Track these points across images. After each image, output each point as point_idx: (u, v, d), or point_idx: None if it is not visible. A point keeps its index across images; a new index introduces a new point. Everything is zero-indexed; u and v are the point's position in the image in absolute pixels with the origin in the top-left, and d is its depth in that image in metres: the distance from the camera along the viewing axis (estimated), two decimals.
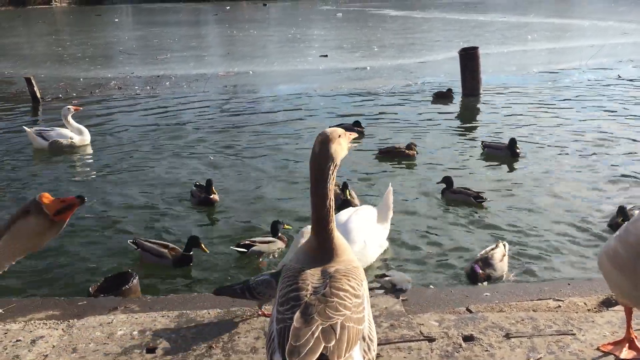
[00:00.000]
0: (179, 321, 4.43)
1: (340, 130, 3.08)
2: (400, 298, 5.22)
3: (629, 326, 3.96)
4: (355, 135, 3.25)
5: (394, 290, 5.36)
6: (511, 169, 10.28)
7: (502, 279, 6.38)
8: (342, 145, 3.04)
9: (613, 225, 7.46)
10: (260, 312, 4.49)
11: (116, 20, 58.51)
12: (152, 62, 25.52)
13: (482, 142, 11.27)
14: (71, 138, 12.17)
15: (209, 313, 4.59)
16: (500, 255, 6.42)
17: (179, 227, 8.10)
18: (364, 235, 6.30)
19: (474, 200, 8.67)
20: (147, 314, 4.58)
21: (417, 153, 10.88)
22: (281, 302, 2.81)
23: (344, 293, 2.77)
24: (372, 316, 2.94)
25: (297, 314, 2.66)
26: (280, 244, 7.31)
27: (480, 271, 6.20)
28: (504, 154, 10.57)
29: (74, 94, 18.19)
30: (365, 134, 12.46)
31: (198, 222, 8.36)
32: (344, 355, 2.56)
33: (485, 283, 6.12)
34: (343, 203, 8.05)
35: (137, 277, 6.00)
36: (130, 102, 16.83)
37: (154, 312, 4.66)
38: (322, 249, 3.00)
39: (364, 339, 2.77)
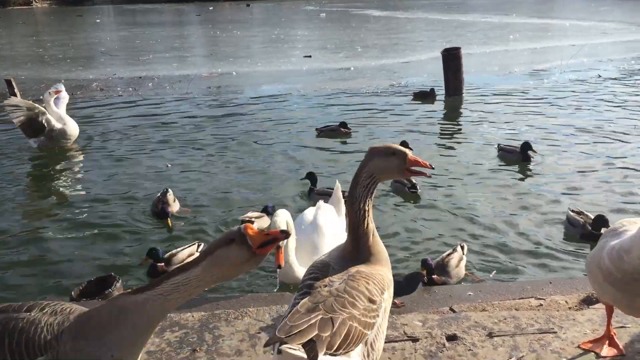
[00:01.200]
0: (162, 325, 4.41)
1: (398, 148, 3.03)
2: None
3: (609, 323, 4.02)
4: (415, 174, 3.13)
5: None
6: (508, 170, 10.16)
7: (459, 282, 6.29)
8: (389, 161, 3.00)
9: (586, 235, 7.16)
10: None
11: (97, 21, 57.95)
12: (134, 63, 25.32)
13: (498, 144, 10.99)
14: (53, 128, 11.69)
15: (192, 316, 4.58)
16: (457, 261, 6.30)
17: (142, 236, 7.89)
18: (333, 229, 6.27)
19: (409, 190, 8.78)
20: None
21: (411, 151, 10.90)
22: (299, 288, 2.94)
23: (357, 293, 2.81)
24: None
25: (304, 300, 2.74)
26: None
27: (435, 276, 6.04)
28: (516, 157, 10.39)
29: None
30: (352, 135, 12.51)
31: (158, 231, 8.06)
32: (335, 350, 2.58)
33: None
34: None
35: (120, 281, 5.97)
36: (112, 104, 16.70)
37: None
38: (353, 249, 3.05)
39: (366, 343, 2.79)
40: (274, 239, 2.59)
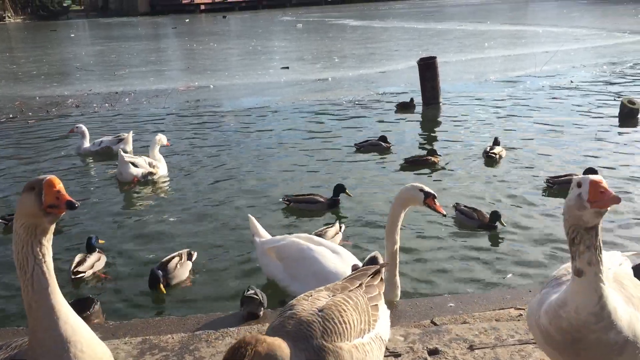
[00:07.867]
0: (142, 348, 4.36)
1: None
2: None
3: None
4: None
5: None
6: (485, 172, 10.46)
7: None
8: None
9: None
10: None
11: (72, 35, 57.44)
12: (110, 78, 25.15)
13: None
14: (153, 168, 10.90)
15: (172, 338, 4.53)
16: (175, 264, 6.79)
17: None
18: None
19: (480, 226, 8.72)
20: (109, 341, 4.48)
21: (439, 160, 11.11)
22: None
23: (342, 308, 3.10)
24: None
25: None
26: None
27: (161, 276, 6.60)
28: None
29: (30, 114, 17.80)
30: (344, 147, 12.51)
31: None
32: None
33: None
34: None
35: (98, 303, 5.88)
36: (89, 121, 16.54)
37: (116, 339, 4.58)
38: None
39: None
40: (59, 205, 2.46)
